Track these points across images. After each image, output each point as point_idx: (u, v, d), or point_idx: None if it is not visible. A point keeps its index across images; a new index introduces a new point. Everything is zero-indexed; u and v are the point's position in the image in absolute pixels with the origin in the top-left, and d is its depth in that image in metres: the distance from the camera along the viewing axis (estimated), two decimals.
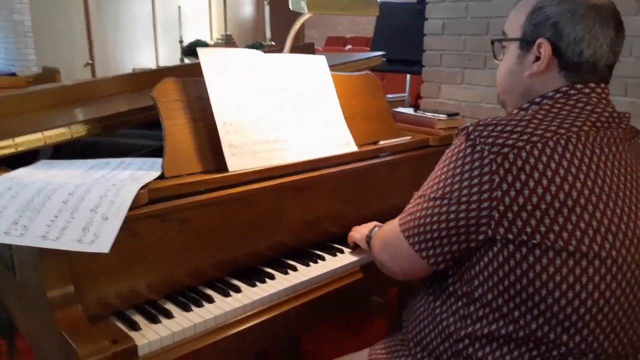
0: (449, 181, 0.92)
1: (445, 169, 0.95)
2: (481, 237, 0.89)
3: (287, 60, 1.49)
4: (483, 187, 0.87)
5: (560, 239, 0.84)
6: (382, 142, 1.62)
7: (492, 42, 1.09)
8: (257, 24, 9.29)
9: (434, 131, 1.75)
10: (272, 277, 1.24)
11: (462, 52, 2.42)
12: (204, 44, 6.11)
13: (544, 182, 0.84)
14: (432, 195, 0.95)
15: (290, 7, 1.62)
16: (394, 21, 3.44)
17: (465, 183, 0.90)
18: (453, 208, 0.91)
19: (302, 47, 2.13)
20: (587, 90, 0.94)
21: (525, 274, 0.86)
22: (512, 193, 0.85)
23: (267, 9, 4.86)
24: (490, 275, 0.90)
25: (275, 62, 1.46)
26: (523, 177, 0.85)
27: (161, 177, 1.14)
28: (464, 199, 0.89)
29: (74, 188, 1.00)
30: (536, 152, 0.85)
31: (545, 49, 0.94)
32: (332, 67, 1.61)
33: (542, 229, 0.84)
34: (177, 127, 1.21)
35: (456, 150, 0.94)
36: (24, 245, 0.91)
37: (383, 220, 1.47)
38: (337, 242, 1.45)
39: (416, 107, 2.21)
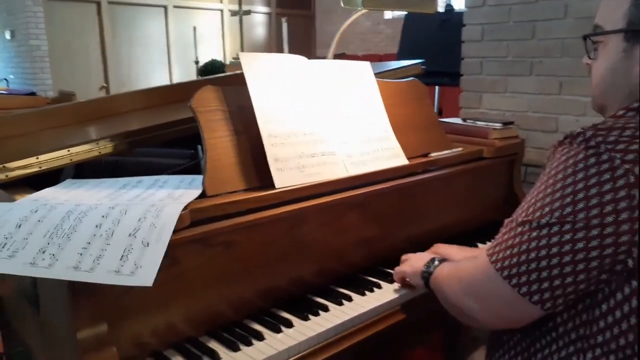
0: (567, 200, 0.73)
1: (558, 187, 0.75)
2: (618, 267, 0.72)
3: (331, 66, 1.37)
4: (619, 206, 0.70)
5: None
6: (433, 154, 1.48)
7: (585, 38, 0.92)
8: (269, 43, 9.28)
9: (487, 142, 1.60)
10: (325, 309, 1.09)
11: (505, 58, 2.28)
12: (220, 64, 6.05)
13: None
14: (544, 220, 0.75)
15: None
16: (420, 33, 3.33)
17: (594, 201, 0.71)
18: (581, 235, 0.72)
19: (335, 57, 2.01)
20: None
21: None
22: None
23: (284, 25, 4.78)
24: (624, 317, 0.73)
25: (320, 67, 1.33)
26: None
27: (202, 195, 1.01)
28: (594, 221, 0.71)
29: (107, 210, 0.86)
30: None
31: None
32: None
33: None
34: (218, 139, 1.08)
35: (571, 162, 0.75)
36: (51, 278, 0.77)
37: (436, 239, 1.33)
38: (390, 267, 1.29)
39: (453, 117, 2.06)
